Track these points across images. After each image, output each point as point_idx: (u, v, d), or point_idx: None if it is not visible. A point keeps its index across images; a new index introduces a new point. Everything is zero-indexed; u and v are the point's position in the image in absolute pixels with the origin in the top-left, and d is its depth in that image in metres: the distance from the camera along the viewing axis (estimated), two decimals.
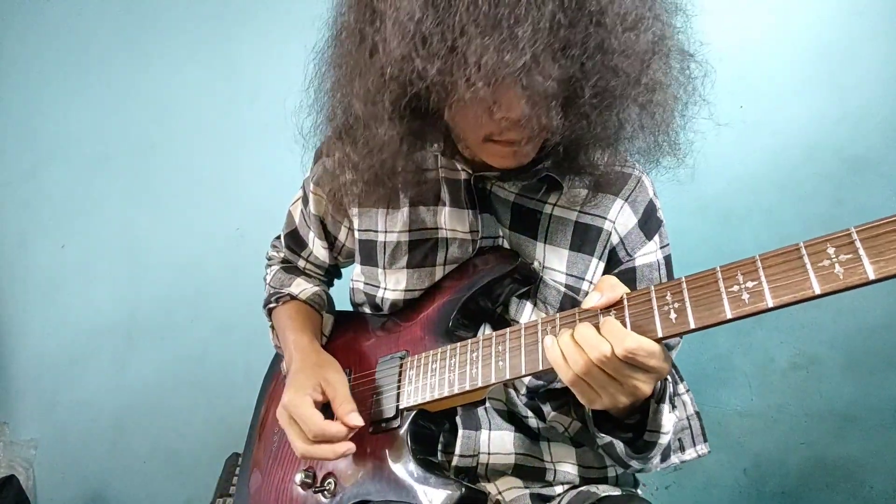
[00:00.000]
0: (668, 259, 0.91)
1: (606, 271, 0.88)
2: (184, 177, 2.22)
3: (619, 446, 0.76)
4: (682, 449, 0.85)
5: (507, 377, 0.71)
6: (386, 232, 0.93)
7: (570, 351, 0.63)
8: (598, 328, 0.63)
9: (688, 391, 0.89)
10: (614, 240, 0.87)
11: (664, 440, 0.74)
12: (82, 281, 2.24)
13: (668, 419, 0.72)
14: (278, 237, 1.14)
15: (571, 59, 0.62)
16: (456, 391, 0.75)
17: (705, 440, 0.87)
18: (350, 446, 0.78)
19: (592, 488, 0.87)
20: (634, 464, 0.78)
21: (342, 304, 1.08)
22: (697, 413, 0.88)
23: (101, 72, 2.33)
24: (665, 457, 0.82)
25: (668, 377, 0.73)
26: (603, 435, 0.76)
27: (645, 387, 0.63)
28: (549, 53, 0.60)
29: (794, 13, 1.62)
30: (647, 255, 0.88)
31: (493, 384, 0.72)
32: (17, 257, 2.32)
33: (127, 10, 2.33)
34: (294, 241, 1.10)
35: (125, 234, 2.24)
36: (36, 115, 2.39)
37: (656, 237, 0.89)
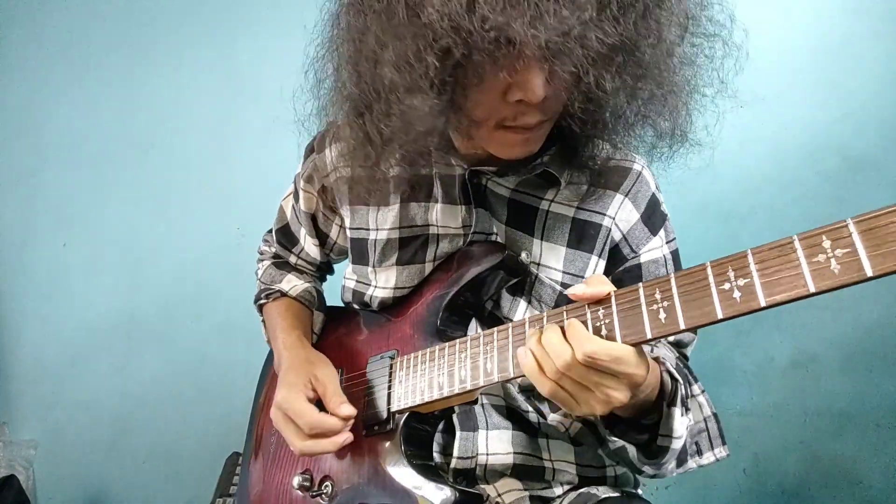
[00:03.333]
0: (675, 254, 0.89)
1: (610, 270, 0.87)
2: (184, 177, 2.22)
3: (632, 451, 0.73)
4: (699, 453, 0.81)
5: (496, 379, 0.69)
6: (377, 230, 0.92)
7: (540, 356, 0.61)
8: (563, 331, 0.61)
9: (703, 392, 0.85)
10: (616, 236, 0.86)
11: (677, 445, 0.70)
12: (82, 281, 2.24)
13: (681, 423, 0.69)
14: (270, 231, 1.13)
15: (628, 20, 0.60)
16: (445, 394, 0.74)
17: (724, 443, 0.82)
18: (349, 436, 0.79)
19: (592, 490, 0.86)
20: (648, 469, 0.75)
21: (335, 300, 1.07)
22: (715, 415, 0.84)
23: (102, 71, 2.34)
24: (681, 462, 0.78)
25: (680, 378, 0.71)
26: (614, 439, 0.73)
27: (618, 394, 0.59)
28: (608, 12, 0.58)
29: (794, 13, 1.62)
30: (652, 250, 0.86)
31: (482, 386, 0.71)
32: (17, 257, 2.32)
33: (127, 9, 2.33)
34: (285, 236, 1.09)
35: (125, 233, 2.24)
36: (36, 114, 2.39)
37: (661, 232, 0.87)
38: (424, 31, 0.60)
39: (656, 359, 0.70)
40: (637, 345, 0.59)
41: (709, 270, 0.54)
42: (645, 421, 0.72)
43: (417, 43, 0.61)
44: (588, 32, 0.57)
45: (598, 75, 0.61)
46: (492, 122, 0.70)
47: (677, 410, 0.69)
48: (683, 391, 0.71)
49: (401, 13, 0.61)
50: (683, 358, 0.89)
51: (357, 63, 0.69)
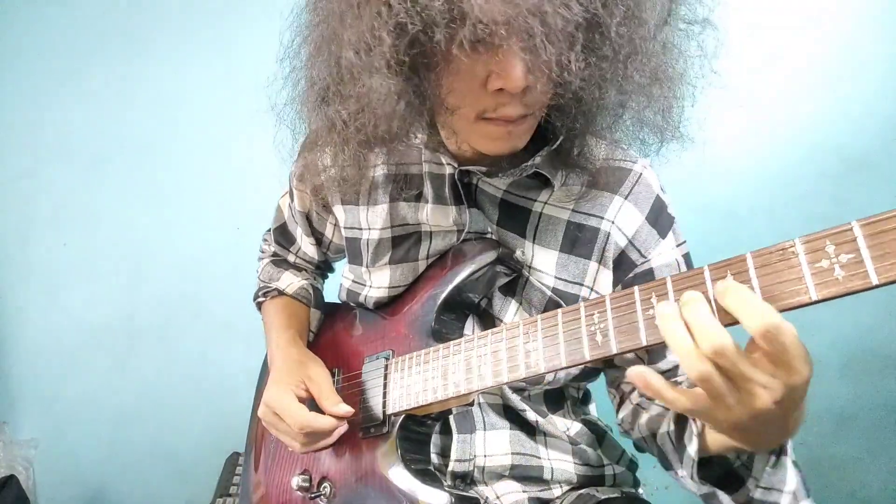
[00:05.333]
0: (686, 258, 0.85)
1: (618, 278, 0.84)
2: (183, 176, 2.22)
3: (726, 500, 0.63)
4: None
5: (490, 384, 0.68)
6: (369, 229, 0.91)
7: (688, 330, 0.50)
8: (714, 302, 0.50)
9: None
10: (621, 242, 0.82)
11: (786, 501, 0.59)
12: (82, 280, 2.24)
13: (793, 474, 0.59)
14: (269, 230, 1.13)
15: None
16: (440, 398, 0.73)
17: (808, 495, 0.63)
18: (344, 425, 0.79)
19: (592, 490, 0.86)
20: None
21: (336, 298, 1.06)
22: (795, 462, 0.66)
23: (101, 71, 2.33)
24: None
25: None
26: (703, 483, 0.64)
27: (763, 398, 0.48)
28: None
29: (794, 13, 1.61)
30: (663, 254, 0.82)
31: (476, 391, 0.70)
32: (17, 256, 2.32)
33: (126, 9, 2.33)
34: (283, 235, 1.09)
35: (125, 233, 2.24)
36: (36, 114, 2.38)
37: (670, 235, 0.83)
38: (380, 8, 0.58)
39: None
40: (633, 350, 0.55)
41: (706, 274, 0.51)
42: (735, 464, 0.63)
43: (374, 21, 0.59)
44: (547, 7, 0.54)
45: (561, 55, 0.58)
46: (472, 112, 0.68)
47: (789, 460, 0.60)
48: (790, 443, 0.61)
49: None
50: None
51: (321, 47, 0.68)
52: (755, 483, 0.61)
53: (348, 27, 0.62)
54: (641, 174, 0.84)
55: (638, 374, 0.52)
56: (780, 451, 0.60)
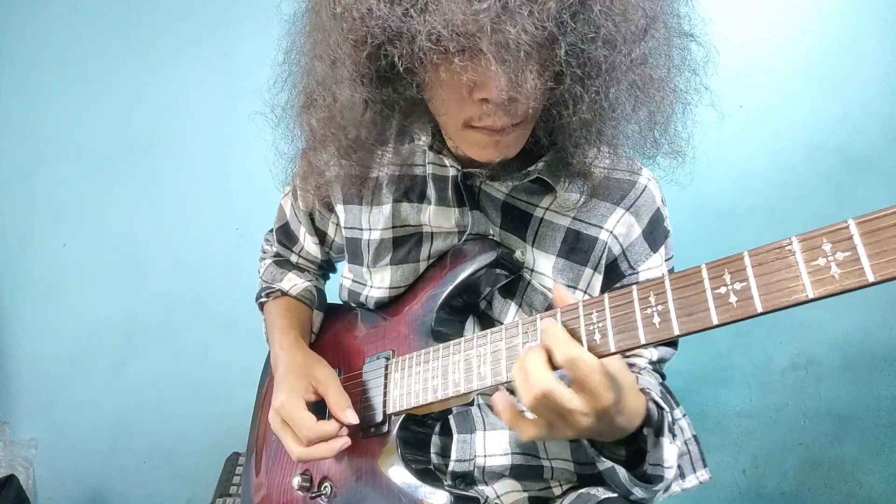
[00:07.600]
0: (671, 272, 0.85)
1: (606, 284, 0.85)
2: (183, 177, 2.22)
3: (622, 473, 0.71)
4: (682, 476, 0.80)
5: (489, 384, 0.68)
6: (370, 230, 0.91)
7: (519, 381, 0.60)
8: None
9: (685, 415, 0.83)
10: (616, 251, 0.84)
11: (670, 474, 0.69)
12: (82, 281, 2.24)
13: (671, 451, 0.68)
14: (271, 231, 1.13)
15: (547, 12, 0.56)
16: (440, 398, 0.73)
17: (705, 465, 0.81)
18: (346, 440, 0.79)
19: (592, 490, 0.85)
20: (637, 491, 0.73)
21: (336, 298, 1.07)
22: (695, 437, 0.82)
23: (101, 71, 2.34)
24: (667, 487, 0.76)
25: (666, 406, 0.70)
26: (604, 459, 0.71)
27: (584, 422, 0.58)
28: (520, 2, 0.55)
29: (793, 13, 1.61)
30: (651, 269, 0.85)
31: (476, 390, 0.70)
32: (17, 257, 2.32)
33: (126, 9, 2.33)
34: (285, 235, 1.09)
35: (125, 233, 2.24)
36: (36, 114, 2.39)
37: (662, 249, 0.86)
38: (342, 23, 0.61)
39: (641, 390, 0.70)
40: (632, 349, 0.57)
41: (704, 273, 0.51)
42: (619, 453, 0.72)
43: (338, 35, 0.62)
44: (501, 26, 0.55)
45: (517, 72, 0.57)
46: (458, 120, 0.69)
47: (666, 440, 0.68)
48: (669, 419, 0.70)
49: (326, 8, 0.63)
50: (660, 376, 0.88)
51: (304, 57, 0.73)
52: (647, 458, 0.69)
53: (320, 41, 0.65)
54: (646, 186, 0.85)
55: (501, 397, 0.63)
56: (657, 433, 0.68)
